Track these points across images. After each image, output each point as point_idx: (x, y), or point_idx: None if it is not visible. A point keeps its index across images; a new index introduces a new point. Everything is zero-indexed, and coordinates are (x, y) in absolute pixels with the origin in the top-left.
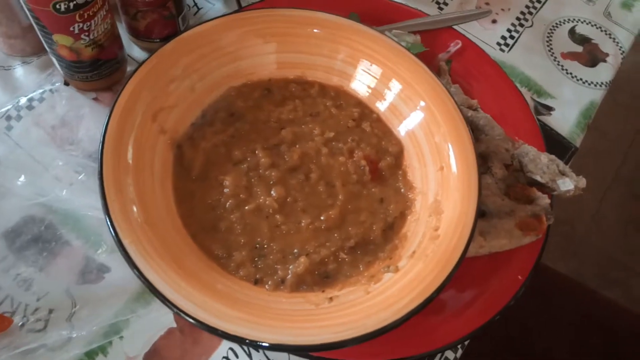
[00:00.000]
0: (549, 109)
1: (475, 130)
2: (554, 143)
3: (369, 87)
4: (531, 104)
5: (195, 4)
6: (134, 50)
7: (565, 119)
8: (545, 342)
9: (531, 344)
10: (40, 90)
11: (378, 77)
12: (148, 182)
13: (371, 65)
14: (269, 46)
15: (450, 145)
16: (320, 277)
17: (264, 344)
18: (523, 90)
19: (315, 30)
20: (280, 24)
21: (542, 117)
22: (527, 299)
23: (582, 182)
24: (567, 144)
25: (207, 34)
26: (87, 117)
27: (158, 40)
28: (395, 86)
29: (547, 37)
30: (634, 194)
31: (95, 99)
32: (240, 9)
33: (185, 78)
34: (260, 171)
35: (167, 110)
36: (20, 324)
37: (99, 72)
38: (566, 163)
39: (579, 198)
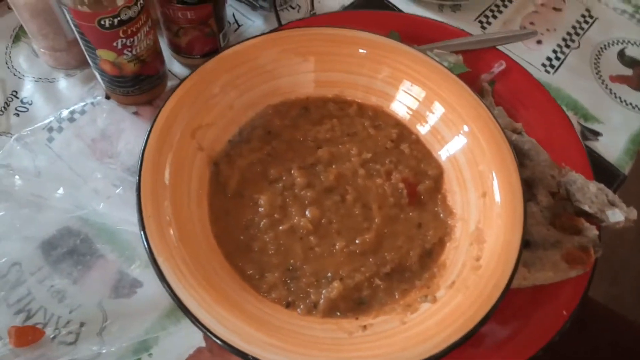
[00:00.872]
0: (596, 134)
1: (520, 155)
2: (601, 170)
3: (409, 108)
4: (577, 128)
5: (236, 21)
6: (174, 66)
7: (613, 145)
8: None
9: None
10: (82, 103)
11: (420, 99)
12: (184, 199)
13: (412, 86)
14: (308, 65)
15: (494, 173)
16: (354, 304)
17: None
18: (569, 114)
19: (356, 50)
20: (319, 42)
21: (588, 143)
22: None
23: (633, 213)
24: (615, 172)
25: (246, 52)
26: (127, 130)
27: (199, 56)
28: (438, 109)
29: (595, 59)
30: None
31: (135, 112)
32: (280, 26)
33: (224, 96)
34: (296, 191)
35: (206, 127)
36: (52, 336)
37: (140, 87)
38: (614, 192)
39: None
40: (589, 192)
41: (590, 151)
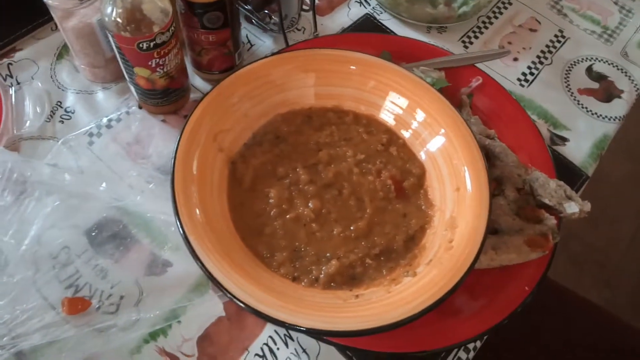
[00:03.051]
0: (564, 139)
1: (492, 157)
2: (567, 171)
3: (396, 116)
4: (547, 135)
5: (249, 41)
6: (196, 80)
7: (579, 149)
8: None
9: None
10: (118, 112)
11: (404, 108)
12: (208, 191)
13: (399, 97)
14: (309, 80)
15: (465, 169)
16: (349, 278)
17: (300, 328)
18: (540, 122)
19: (350, 67)
20: (319, 61)
21: (557, 147)
22: (553, 324)
23: (587, 206)
24: (579, 172)
25: (258, 70)
26: (157, 136)
27: (217, 72)
28: (419, 116)
29: (565, 74)
30: None
31: (163, 120)
32: (287, 46)
33: (241, 106)
34: (300, 186)
35: (225, 132)
36: (97, 306)
37: (168, 98)
38: (578, 190)
39: (614, 226)
40: (549, 188)
41: (558, 155)
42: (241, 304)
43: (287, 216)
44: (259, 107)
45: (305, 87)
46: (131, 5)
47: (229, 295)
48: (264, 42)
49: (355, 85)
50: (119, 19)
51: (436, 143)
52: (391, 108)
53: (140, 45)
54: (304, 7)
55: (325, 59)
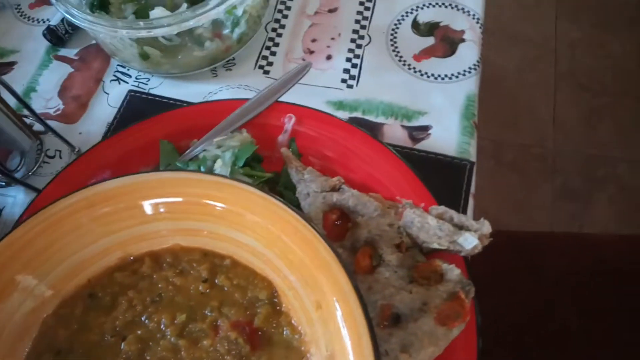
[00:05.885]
0: (426, 129)
1: (350, 215)
2: (445, 171)
3: (205, 232)
4: (404, 135)
5: None
6: None
7: (447, 132)
8: None
9: None
10: None
11: (206, 217)
12: None
13: (195, 208)
14: (69, 249)
15: (315, 273)
16: None
17: None
18: (390, 121)
19: (108, 207)
20: (63, 221)
21: (422, 144)
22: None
23: (486, 227)
24: (458, 165)
25: None
26: None
27: None
28: (230, 219)
29: (392, 45)
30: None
31: None
32: (40, 192)
33: None
34: None
35: None
36: None
37: None
38: (468, 183)
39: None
40: (431, 228)
41: (425, 156)
42: None
43: None
44: (9, 328)
45: (66, 259)
46: None
47: None
48: (15, 198)
49: (133, 222)
50: None
51: (265, 248)
52: (190, 225)
53: None
54: (37, 130)
55: (49, 224)
